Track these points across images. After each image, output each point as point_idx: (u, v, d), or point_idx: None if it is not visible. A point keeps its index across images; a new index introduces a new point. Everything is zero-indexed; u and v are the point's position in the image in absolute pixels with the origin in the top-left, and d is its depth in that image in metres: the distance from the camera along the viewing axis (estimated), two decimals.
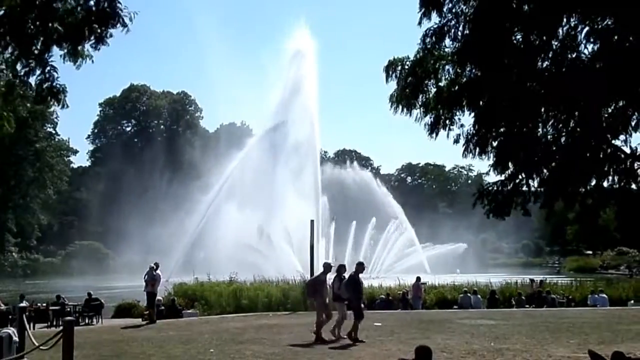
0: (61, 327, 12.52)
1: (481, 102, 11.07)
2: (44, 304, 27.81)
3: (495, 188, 11.47)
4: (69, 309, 26.97)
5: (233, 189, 60.43)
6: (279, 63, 64.11)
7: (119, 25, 9.51)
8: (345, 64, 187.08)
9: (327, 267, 18.54)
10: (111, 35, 9.61)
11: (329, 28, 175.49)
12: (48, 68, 9.63)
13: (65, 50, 9.56)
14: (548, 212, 11.56)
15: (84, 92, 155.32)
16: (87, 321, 27.05)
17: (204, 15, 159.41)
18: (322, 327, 17.59)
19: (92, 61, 9.81)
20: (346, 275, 18.04)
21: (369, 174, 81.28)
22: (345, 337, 17.36)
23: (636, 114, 10.70)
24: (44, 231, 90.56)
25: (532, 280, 36.91)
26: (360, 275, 17.98)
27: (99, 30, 9.43)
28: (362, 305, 18.19)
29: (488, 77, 10.64)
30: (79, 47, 9.58)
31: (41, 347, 12.56)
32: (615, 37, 10.08)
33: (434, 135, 11.69)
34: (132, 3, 9.47)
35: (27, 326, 15.08)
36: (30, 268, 79.88)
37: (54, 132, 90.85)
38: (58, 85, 9.82)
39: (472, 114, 11.26)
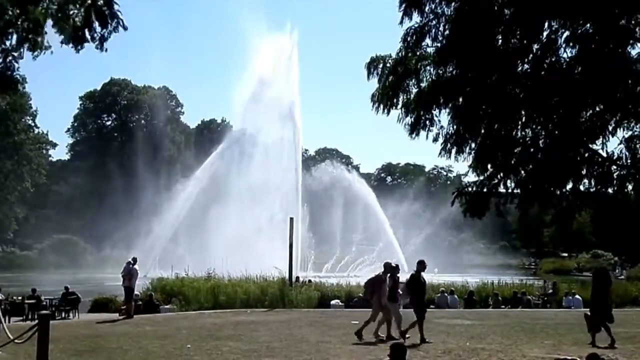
0: (36, 321, 12.47)
1: (460, 101, 11.16)
2: (20, 298, 27.59)
3: (473, 188, 11.59)
4: (45, 303, 26.77)
5: (212, 185, 60.26)
6: (261, 60, 64.00)
7: (119, 27, 9.48)
8: (326, 61, 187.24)
9: (388, 267, 18.12)
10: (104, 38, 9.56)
11: (311, 24, 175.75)
12: (10, 58, 9.54)
13: (25, 39, 9.47)
14: (522, 213, 11.73)
15: (64, 85, 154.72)
16: (63, 315, 26.86)
17: (186, 9, 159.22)
18: (388, 325, 17.43)
19: (52, 52, 9.70)
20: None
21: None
22: (398, 336, 16.84)
23: (614, 118, 10.84)
24: (20, 224, 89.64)
25: (545, 282, 37.35)
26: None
27: (99, 33, 9.38)
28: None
29: (467, 77, 10.74)
30: (39, 39, 9.48)
31: (16, 341, 12.51)
32: (594, 42, 10.21)
33: (414, 135, 11.75)
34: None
35: (2, 319, 14.99)
36: (5, 261, 78.98)
37: (32, 124, 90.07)
38: (17, 76, 9.74)
39: (450, 113, 11.36)
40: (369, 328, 17.54)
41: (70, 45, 9.55)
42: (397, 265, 18.38)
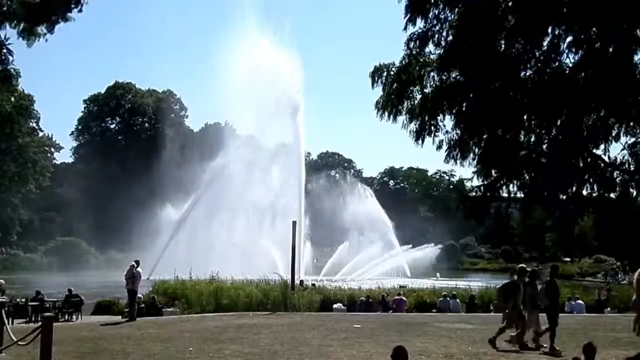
0: (40, 323, 12.51)
1: (463, 108, 11.19)
2: (23, 300, 27.66)
3: (475, 192, 11.62)
4: (48, 305, 26.84)
5: (214, 188, 60.37)
6: (264, 64, 64.07)
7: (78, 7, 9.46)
8: (329, 64, 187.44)
9: (523, 272, 17.29)
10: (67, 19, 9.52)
11: (315, 28, 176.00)
12: (4, 50, 9.52)
13: (20, 29, 9.44)
14: (525, 217, 11.78)
15: (68, 88, 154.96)
16: (66, 317, 26.92)
17: (190, 14, 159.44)
18: (523, 334, 16.70)
19: (46, 40, 9.66)
20: None
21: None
22: (545, 345, 16.56)
23: (617, 124, 10.85)
24: (24, 226, 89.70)
25: (599, 289, 37.01)
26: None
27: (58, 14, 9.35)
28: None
29: (471, 83, 10.77)
30: (34, 28, 9.47)
31: (19, 343, 12.54)
32: (598, 48, 10.22)
33: (419, 141, 11.76)
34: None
35: (6, 321, 15.02)
36: (9, 263, 78.93)
37: (37, 127, 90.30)
38: (12, 70, 9.71)
39: (454, 119, 11.38)
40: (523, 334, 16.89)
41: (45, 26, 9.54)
42: (534, 270, 17.82)
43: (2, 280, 26.83)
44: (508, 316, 17.31)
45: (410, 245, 68.01)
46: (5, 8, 9.26)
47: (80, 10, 9.56)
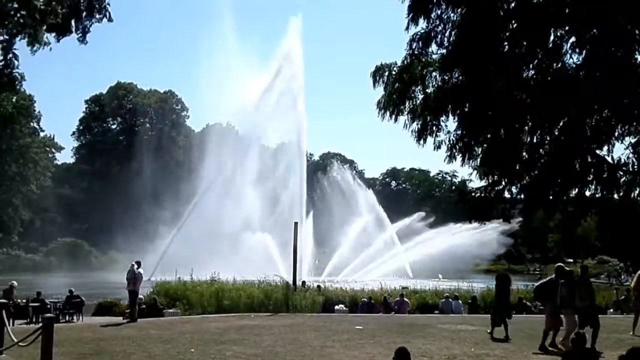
0: (41, 324, 12.47)
1: (465, 108, 11.14)
2: (24, 300, 27.62)
3: (478, 193, 11.56)
4: (49, 306, 26.80)
5: (215, 189, 60.40)
6: (267, 63, 64.14)
7: (104, 19, 9.48)
8: (331, 65, 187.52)
9: (560, 271, 16.97)
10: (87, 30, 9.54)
11: (316, 29, 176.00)
12: (10, 55, 9.49)
13: (25, 36, 9.42)
14: (526, 219, 11.75)
15: (70, 88, 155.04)
16: (67, 318, 26.88)
17: (191, 14, 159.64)
18: (548, 335, 16.54)
19: (50, 49, 9.67)
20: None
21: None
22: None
23: (620, 124, 10.80)
24: (25, 227, 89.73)
25: (617, 289, 36.62)
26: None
27: (85, 23, 9.37)
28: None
29: (473, 84, 10.71)
30: (39, 35, 9.45)
31: (20, 344, 12.52)
32: (601, 48, 10.17)
33: (421, 142, 11.70)
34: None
35: (7, 322, 15.00)
36: (10, 264, 78.87)
37: (38, 127, 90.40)
38: (16, 74, 9.69)
39: (456, 119, 11.33)
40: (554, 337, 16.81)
41: (53, 34, 9.54)
42: (571, 270, 17.53)
43: (14, 282, 26.88)
44: (547, 317, 17.10)
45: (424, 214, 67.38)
46: (17, 18, 9.23)
47: (110, 20, 9.63)
